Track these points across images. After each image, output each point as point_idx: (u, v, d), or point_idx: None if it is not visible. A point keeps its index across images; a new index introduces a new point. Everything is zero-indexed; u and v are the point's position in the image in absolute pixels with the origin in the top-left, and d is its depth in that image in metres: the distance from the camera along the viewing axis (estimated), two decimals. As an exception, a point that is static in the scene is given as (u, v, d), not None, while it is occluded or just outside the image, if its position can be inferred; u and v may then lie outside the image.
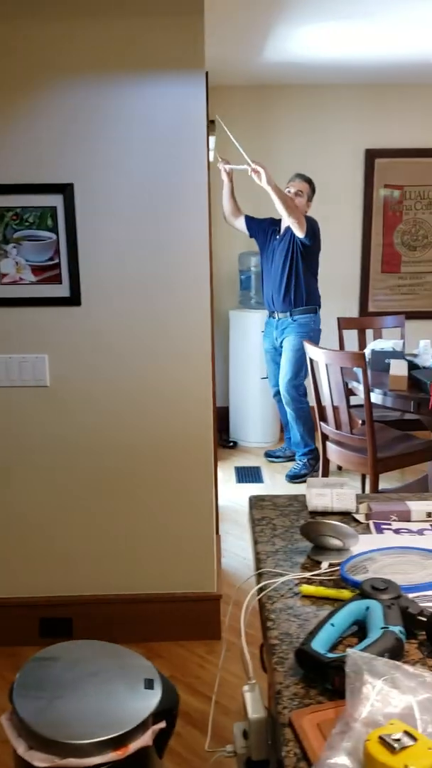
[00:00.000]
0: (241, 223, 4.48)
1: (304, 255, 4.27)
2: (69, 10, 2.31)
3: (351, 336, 4.57)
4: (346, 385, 3.82)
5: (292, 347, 4.37)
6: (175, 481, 2.66)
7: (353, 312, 5.14)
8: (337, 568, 1.34)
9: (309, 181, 4.32)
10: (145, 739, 1.39)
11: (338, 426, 3.59)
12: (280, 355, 4.49)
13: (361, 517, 1.59)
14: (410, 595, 1.22)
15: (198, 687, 2.52)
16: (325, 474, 3.83)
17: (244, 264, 4.80)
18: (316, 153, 4.93)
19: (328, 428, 3.67)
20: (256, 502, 1.70)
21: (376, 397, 3.48)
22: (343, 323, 4.43)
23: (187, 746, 2.23)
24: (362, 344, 4.43)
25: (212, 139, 3.16)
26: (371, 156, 4.89)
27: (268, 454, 4.75)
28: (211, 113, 4.84)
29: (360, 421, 4.19)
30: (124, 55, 2.35)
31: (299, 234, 4.18)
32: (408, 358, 3.73)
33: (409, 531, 1.53)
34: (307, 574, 1.34)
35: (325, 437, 3.75)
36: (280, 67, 4.26)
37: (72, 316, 2.53)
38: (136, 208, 2.46)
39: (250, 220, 4.47)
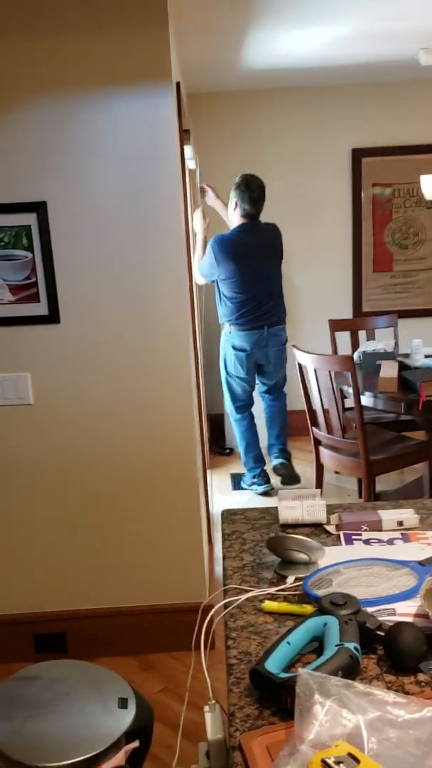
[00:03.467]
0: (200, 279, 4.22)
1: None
2: (38, 29, 2.32)
3: (344, 337, 4.56)
4: (341, 390, 3.81)
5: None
6: (162, 493, 2.66)
7: (347, 312, 5.13)
8: (303, 582, 1.34)
9: (236, 180, 3.97)
10: (118, 759, 1.39)
11: (330, 430, 3.58)
12: None
13: (331, 529, 1.59)
14: (371, 609, 1.21)
15: (190, 698, 2.51)
16: (320, 478, 3.82)
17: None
18: (302, 156, 4.92)
19: (321, 433, 3.66)
20: (227, 516, 1.70)
21: (367, 399, 3.47)
22: (335, 325, 4.42)
23: (179, 759, 2.23)
24: (355, 345, 4.42)
25: (189, 149, 3.16)
26: (358, 155, 4.88)
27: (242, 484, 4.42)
28: (194, 121, 4.85)
29: (354, 424, 4.18)
30: (91, 72, 2.36)
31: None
32: (399, 358, 3.72)
33: (379, 541, 1.52)
34: (272, 590, 1.33)
35: (317, 442, 3.74)
36: (261, 71, 4.26)
37: (52, 333, 2.54)
38: (111, 224, 2.47)
39: None
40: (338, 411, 3.49)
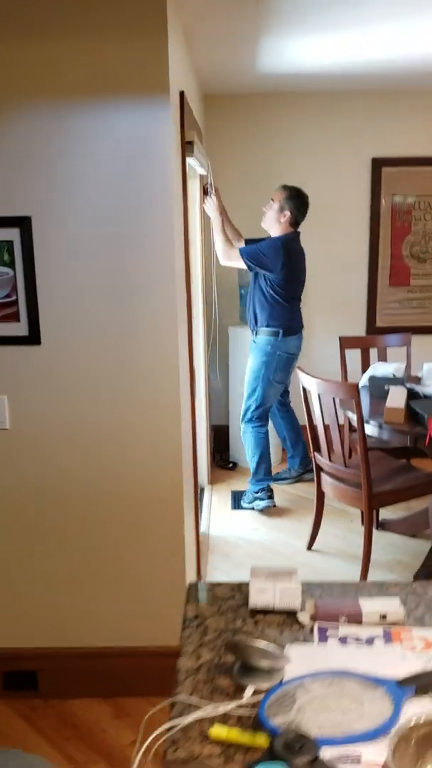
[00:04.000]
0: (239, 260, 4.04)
1: (267, 277, 3.96)
2: (24, 32, 2.14)
3: (355, 355, 4.36)
4: (346, 416, 3.61)
5: (249, 368, 4.15)
6: (144, 529, 2.50)
7: (360, 327, 4.91)
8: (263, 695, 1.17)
9: (286, 189, 3.97)
10: None
11: (332, 458, 3.39)
12: None
13: (305, 618, 1.41)
14: (332, 751, 1.04)
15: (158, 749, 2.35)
16: (320, 506, 3.63)
17: (244, 279, 4.59)
18: (319, 163, 4.70)
19: (322, 460, 3.47)
20: (193, 592, 1.53)
21: (371, 429, 3.28)
22: (345, 342, 4.22)
23: None
24: (366, 364, 4.22)
25: (192, 160, 2.97)
26: (378, 165, 4.65)
27: (275, 478, 4.53)
28: (209, 122, 4.65)
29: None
30: (83, 81, 2.18)
31: (219, 258, 4.07)
32: (409, 385, 3.51)
33: (357, 639, 1.34)
34: (225, 708, 1.16)
35: (319, 468, 3.56)
36: (279, 75, 4.03)
37: (32, 355, 2.38)
38: (99, 243, 2.29)
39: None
40: (341, 439, 3.30)
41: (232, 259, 4.01)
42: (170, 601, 2.54)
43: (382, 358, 4.26)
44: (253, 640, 1.21)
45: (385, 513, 4.03)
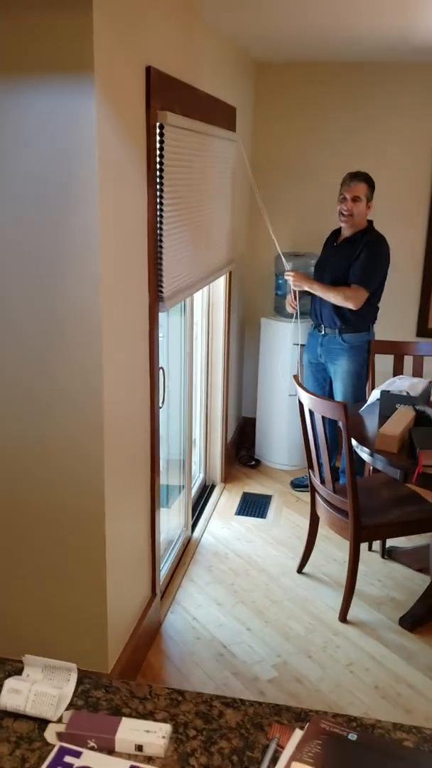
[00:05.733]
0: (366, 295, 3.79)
1: None
2: None
3: (387, 361, 3.95)
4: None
5: (347, 372, 3.85)
6: (59, 549, 2.33)
7: (410, 327, 4.47)
8: None
9: (367, 179, 3.65)
10: None
11: (324, 480, 3.08)
12: (322, 371, 4.00)
13: (51, 735, 1.19)
14: None
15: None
16: (313, 530, 3.33)
17: (280, 269, 4.25)
18: (374, 145, 4.24)
19: (315, 480, 3.16)
20: (-39, 673, 1.33)
21: (364, 454, 2.93)
22: (375, 347, 3.82)
23: None
24: (397, 372, 3.81)
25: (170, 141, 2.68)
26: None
27: (295, 484, 4.26)
28: (254, 94, 4.29)
29: (371, 467, 3.62)
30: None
31: (352, 307, 3.68)
32: (420, 407, 3.11)
33: (91, 776, 1.11)
34: None
35: (314, 489, 3.25)
36: (331, 41, 3.59)
37: None
38: (11, 244, 2.10)
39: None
40: (329, 462, 2.98)
41: (362, 299, 3.68)
42: (88, 626, 2.38)
43: (418, 367, 3.84)
44: None
45: (397, 540, 3.66)
